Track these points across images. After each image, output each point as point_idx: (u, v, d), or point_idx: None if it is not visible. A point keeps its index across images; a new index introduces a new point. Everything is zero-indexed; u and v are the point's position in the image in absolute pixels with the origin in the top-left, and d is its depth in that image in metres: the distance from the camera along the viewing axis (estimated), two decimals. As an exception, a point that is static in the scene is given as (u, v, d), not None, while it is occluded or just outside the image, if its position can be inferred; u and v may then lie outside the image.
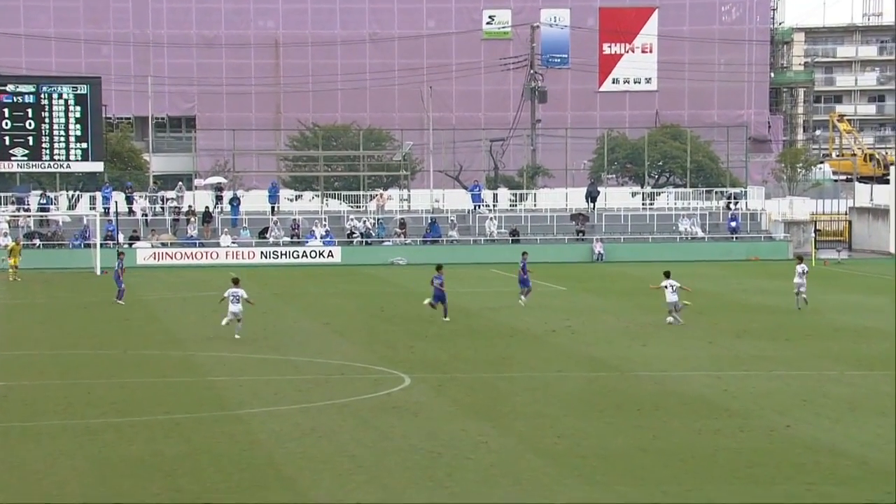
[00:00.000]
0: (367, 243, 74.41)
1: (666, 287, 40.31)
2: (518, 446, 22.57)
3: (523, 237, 75.10)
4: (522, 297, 46.30)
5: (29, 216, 73.26)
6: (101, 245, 66.26)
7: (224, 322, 36.74)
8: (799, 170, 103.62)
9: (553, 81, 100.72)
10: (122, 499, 19.08)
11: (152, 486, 19.76)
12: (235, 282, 37.07)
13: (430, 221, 76.15)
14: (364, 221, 75.89)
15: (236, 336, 36.42)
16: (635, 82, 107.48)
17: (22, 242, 65.14)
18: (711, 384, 29.15)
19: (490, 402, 27.04)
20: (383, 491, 19.53)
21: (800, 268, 45.23)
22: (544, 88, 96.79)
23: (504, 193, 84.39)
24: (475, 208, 78.36)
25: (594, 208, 78.77)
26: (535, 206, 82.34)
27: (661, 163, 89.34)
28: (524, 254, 47.71)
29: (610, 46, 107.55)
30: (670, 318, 40.35)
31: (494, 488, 19.70)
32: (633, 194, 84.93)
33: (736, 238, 76.68)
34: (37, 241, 70.55)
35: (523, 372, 31.35)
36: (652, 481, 20.05)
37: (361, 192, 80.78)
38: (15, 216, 72.66)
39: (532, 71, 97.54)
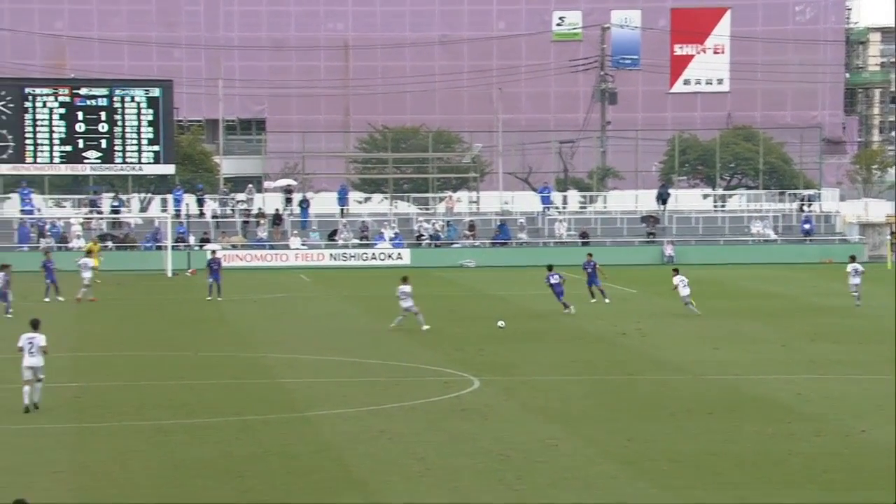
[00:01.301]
0: (436, 245, 74.49)
1: (678, 284, 43.58)
2: (588, 450, 22.49)
3: (593, 239, 74.82)
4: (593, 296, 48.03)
5: (101, 218, 74.07)
6: (172, 247, 66.84)
7: (397, 322, 39.35)
8: (874, 171, 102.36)
9: (623, 83, 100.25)
10: (193, 499, 19.23)
11: (223, 487, 19.90)
12: (405, 280, 39.60)
13: (499, 224, 76.09)
14: (433, 223, 76.00)
15: (425, 327, 38.75)
16: (707, 83, 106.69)
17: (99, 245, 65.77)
18: (785, 388, 28.86)
19: (560, 405, 26.97)
20: (453, 493, 19.53)
21: (851, 267, 45.46)
22: (614, 90, 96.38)
23: (574, 195, 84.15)
24: (544, 210, 78.18)
25: (665, 210, 78.36)
26: (604, 208, 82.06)
27: (732, 164, 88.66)
28: (589, 255, 50.40)
29: (681, 47, 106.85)
30: (692, 308, 42.98)
31: (565, 491, 19.63)
32: (705, 196, 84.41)
33: (809, 240, 75.92)
34: (109, 244, 71.28)
35: (593, 375, 31.23)
36: (724, 486, 19.89)
37: (430, 195, 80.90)
38: (88, 218, 73.51)
39: (602, 72, 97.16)
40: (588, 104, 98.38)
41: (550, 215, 77.58)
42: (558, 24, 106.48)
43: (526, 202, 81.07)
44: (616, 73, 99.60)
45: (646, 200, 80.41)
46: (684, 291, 43.54)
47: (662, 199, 78.86)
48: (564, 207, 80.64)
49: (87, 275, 50.08)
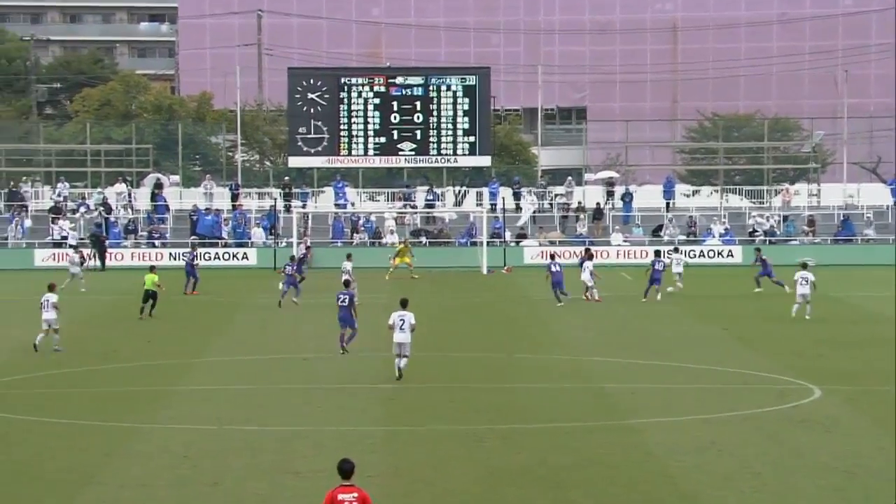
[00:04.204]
0: (770, 242, 72.98)
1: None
2: (945, 470, 21.51)
3: (950, 236, 71.92)
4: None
5: (416, 213, 75.84)
6: (488, 243, 67.79)
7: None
8: None
9: None
10: (509, 508, 19.40)
11: (541, 497, 19.98)
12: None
13: (842, 219, 74.11)
14: (768, 219, 74.62)
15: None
16: None
17: (409, 242, 67.21)
18: None
19: (912, 420, 25.93)
20: (790, 513, 19.05)
21: None
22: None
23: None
24: (895, 204, 75.68)
25: None
26: (965, 200, 78.72)
27: None
28: (758, 250, 55.45)
29: None
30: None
31: (918, 516, 18.86)
32: None
33: None
34: (423, 239, 72.93)
35: (951, 387, 29.87)
36: None
37: (765, 187, 79.52)
38: (402, 213, 75.37)
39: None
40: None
41: (901, 210, 75.05)
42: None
43: (873, 195, 78.80)
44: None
45: None
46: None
47: None
48: (917, 201, 77.80)
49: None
